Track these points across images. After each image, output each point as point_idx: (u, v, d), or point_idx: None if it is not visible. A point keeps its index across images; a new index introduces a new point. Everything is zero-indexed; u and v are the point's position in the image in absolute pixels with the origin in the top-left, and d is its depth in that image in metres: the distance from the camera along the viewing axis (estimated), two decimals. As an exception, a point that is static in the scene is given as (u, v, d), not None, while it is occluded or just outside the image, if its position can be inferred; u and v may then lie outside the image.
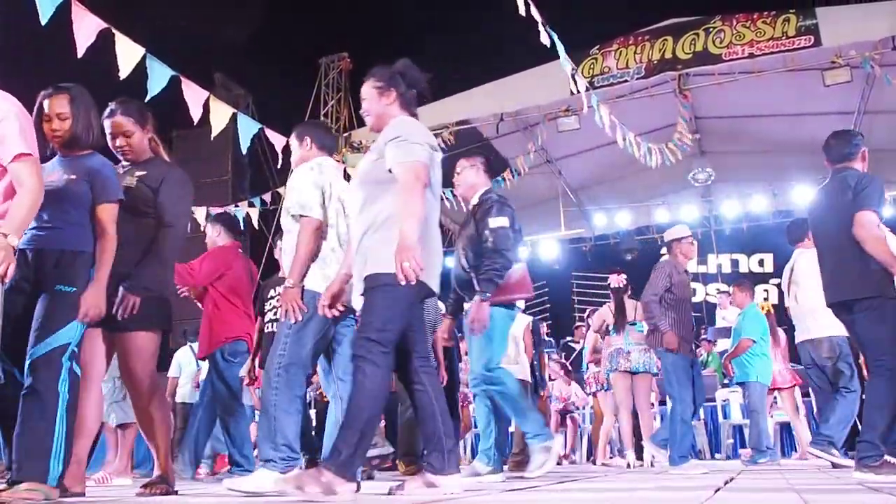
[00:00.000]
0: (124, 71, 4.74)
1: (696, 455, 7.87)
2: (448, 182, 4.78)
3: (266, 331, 5.46)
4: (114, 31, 4.69)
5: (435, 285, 3.00)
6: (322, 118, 12.62)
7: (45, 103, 3.12)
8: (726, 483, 3.56)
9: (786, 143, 11.33)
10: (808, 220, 5.51)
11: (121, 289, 3.20)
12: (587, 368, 8.08)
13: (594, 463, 8.01)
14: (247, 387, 7.66)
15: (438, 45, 15.28)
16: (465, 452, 8.86)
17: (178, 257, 3.79)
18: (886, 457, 3.85)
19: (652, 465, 6.55)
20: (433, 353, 6.12)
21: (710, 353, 9.98)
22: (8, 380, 2.96)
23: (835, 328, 5.16)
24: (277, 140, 5.98)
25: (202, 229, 6.21)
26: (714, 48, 9.04)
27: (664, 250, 14.06)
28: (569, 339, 10.52)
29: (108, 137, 3.51)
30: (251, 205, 9.49)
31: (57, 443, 2.74)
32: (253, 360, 5.88)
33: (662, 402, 8.35)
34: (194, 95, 5.34)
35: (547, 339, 8.78)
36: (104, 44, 4.63)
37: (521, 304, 4.73)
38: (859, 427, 4.18)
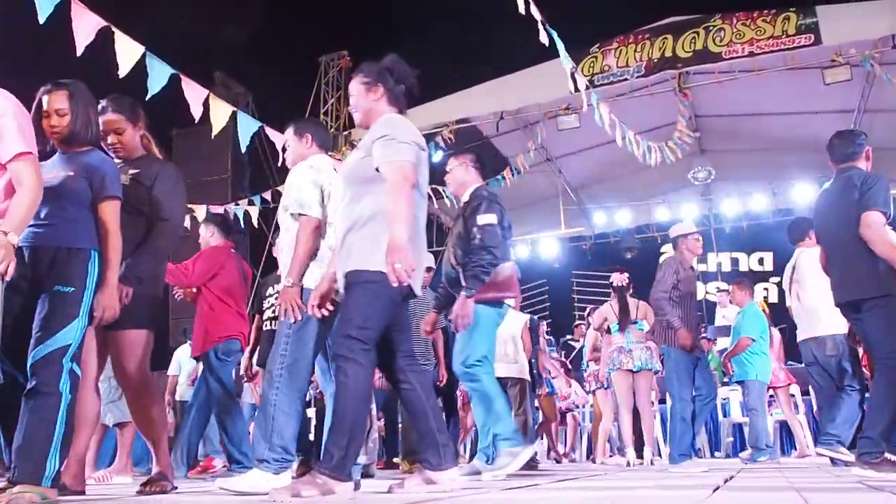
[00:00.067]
0: (124, 69, 4.73)
1: (695, 454, 7.88)
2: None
3: (265, 328, 5.47)
4: (113, 29, 4.68)
5: (417, 286, 2.98)
6: (322, 117, 12.62)
7: (44, 99, 3.11)
8: (726, 481, 3.56)
9: (786, 141, 11.33)
10: (809, 220, 5.52)
11: None
12: (587, 367, 8.08)
13: (594, 461, 8.02)
14: (247, 384, 7.71)
15: (438, 43, 15.27)
16: (465, 452, 8.86)
17: (171, 252, 3.79)
18: (887, 454, 3.86)
19: (652, 463, 6.55)
20: (433, 351, 6.15)
21: (710, 351, 9.98)
22: (7, 379, 2.95)
23: (838, 326, 5.18)
24: (277, 138, 5.98)
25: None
26: (714, 47, 9.04)
27: (664, 249, 14.16)
28: (568, 337, 10.52)
29: None
30: (251, 203, 9.48)
31: (56, 443, 2.73)
32: (250, 357, 5.90)
33: (662, 401, 8.36)
34: (194, 94, 5.34)
35: (547, 336, 8.76)
36: (104, 42, 4.63)
37: (511, 302, 4.68)
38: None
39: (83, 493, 3.49)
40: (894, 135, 10.29)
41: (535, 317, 8.72)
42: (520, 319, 6.54)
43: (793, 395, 8.45)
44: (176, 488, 3.61)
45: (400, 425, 6.51)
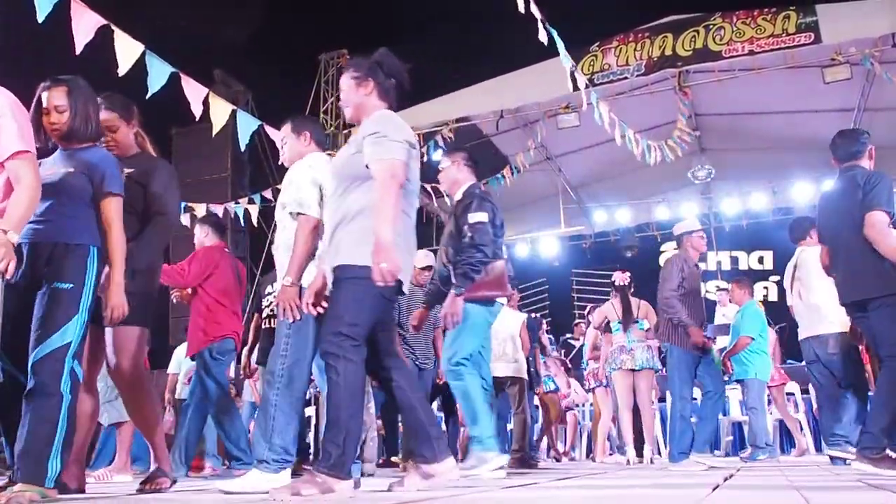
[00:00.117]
0: (123, 68, 4.73)
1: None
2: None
3: (264, 327, 5.48)
4: (113, 27, 4.68)
5: (406, 279, 2.96)
6: (322, 115, 12.63)
7: (44, 96, 3.10)
8: (725, 480, 3.57)
9: (786, 140, 11.33)
10: (811, 219, 5.53)
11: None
12: (587, 365, 8.08)
13: (594, 460, 8.02)
14: (247, 383, 7.71)
15: (438, 41, 15.27)
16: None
17: (166, 248, 3.79)
18: (888, 451, 3.87)
19: (651, 461, 6.56)
20: (433, 349, 6.15)
21: (709, 350, 9.98)
22: (7, 378, 2.95)
23: (841, 324, 5.20)
24: (277, 137, 5.94)
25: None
26: (714, 45, 9.03)
27: (664, 247, 14.15)
28: (568, 336, 10.53)
29: None
30: (251, 201, 9.49)
31: (57, 444, 2.72)
32: (249, 354, 5.90)
33: (662, 400, 8.36)
34: (194, 92, 5.34)
35: (547, 335, 8.77)
36: (103, 41, 4.62)
37: (504, 300, 4.66)
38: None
39: (83, 491, 3.49)
40: (894, 133, 10.29)
41: (538, 315, 8.75)
42: (518, 318, 6.54)
43: (792, 394, 8.47)
44: (175, 481, 3.63)
45: (400, 424, 6.51)
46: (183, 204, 8.58)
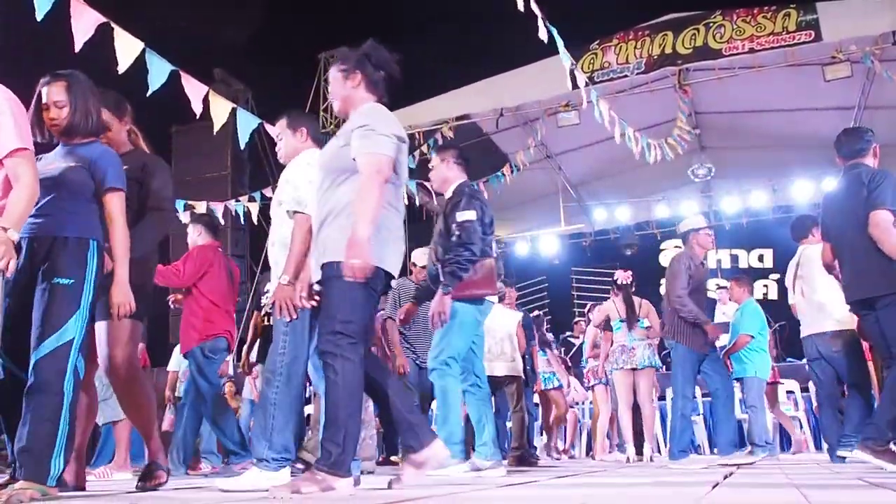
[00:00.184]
0: (123, 65, 4.72)
1: (695, 450, 7.89)
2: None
3: (265, 324, 5.50)
4: (113, 25, 4.68)
5: (396, 272, 2.94)
6: (322, 113, 12.61)
7: (43, 91, 3.09)
8: (725, 478, 3.57)
9: (786, 138, 11.33)
10: (812, 217, 5.53)
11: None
12: (586, 363, 8.09)
13: (593, 458, 8.02)
14: (247, 381, 7.71)
15: (438, 40, 15.27)
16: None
17: (161, 242, 3.78)
18: (892, 445, 3.89)
19: (651, 459, 6.56)
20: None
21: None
22: (7, 375, 2.95)
23: (846, 322, 5.22)
24: (273, 132, 5.97)
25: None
26: (714, 43, 9.03)
27: (664, 245, 14.13)
28: (568, 334, 10.52)
29: None
30: (251, 199, 9.48)
31: (59, 443, 2.72)
32: (248, 352, 5.90)
33: (662, 398, 8.37)
34: (194, 90, 5.34)
35: (549, 334, 8.76)
36: (103, 39, 4.62)
37: (494, 298, 4.62)
38: None
39: (83, 489, 3.49)
40: (894, 132, 10.28)
41: (540, 313, 8.74)
42: (512, 317, 6.55)
43: (791, 392, 8.47)
44: (168, 471, 3.66)
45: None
46: (183, 202, 8.58)
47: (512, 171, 10.76)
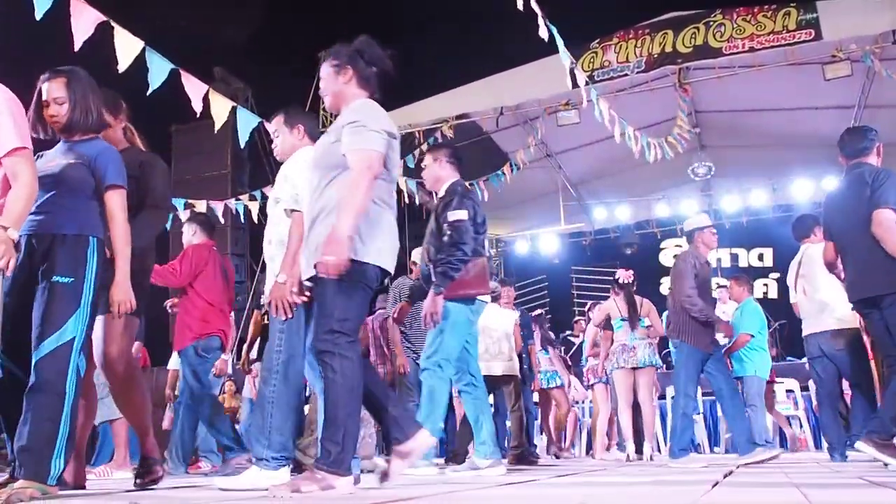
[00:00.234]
0: (123, 64, 4.72)
1: (695, 449, 7.89)
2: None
3: (265, 322, 5.50)
4: (112, 23, 4.67)
5: (391, 269, 2.92)
6: (322, 112, 12.60)
7: (43, 88, 3.08)
8: (725, 477, 3.57)
9: (786, 137, 11.32)
10: (814, 216, 5.53)
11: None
12: (586, 362, 8.09)
13: (593, 457, 8.03)
14: (248, 380, 7.71)
15: (438, 39, 15.26)
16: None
17: (156, 239, 3.78)
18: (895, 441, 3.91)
19: (651, 458, 6.56)
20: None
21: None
22: (6, 374, 2.94)
23: (849, 321, 5.24)
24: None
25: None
26: (714, 42, 9.02)
27: (664, 244, 14.11)
28: (568, 333, 10.52)
29: None
30: (252, 198, 9.48)
31: (60, 443, 2.71)
32: (248, 350, 5.89)
33: (662, 397, 8.37)
34: (194, 89, 5.34)
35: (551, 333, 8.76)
36: (102, 38, 4.61)
37: (486, 298, 4.57)
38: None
39: (83, 487, 3.50)
40: (895, 130, 10.29)
41: (541, 312, 8.74)
42: (509, 317, 6.58)
43: (791, 391, 8.47)
44: (165, 466, 3.65)
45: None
46: (183, 201, 8.58)
47: (512, 170, 10.76)
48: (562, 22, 6.26)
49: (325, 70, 3.08)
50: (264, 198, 9.41)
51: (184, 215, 7.44)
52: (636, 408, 6.87)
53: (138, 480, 3.58)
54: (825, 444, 5.93)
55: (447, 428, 6.84)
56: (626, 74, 9.45)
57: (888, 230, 3.97)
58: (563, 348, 9.69)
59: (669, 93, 9.68)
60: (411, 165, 9.29)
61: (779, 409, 8.21)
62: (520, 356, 6.80)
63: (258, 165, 14.52)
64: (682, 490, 2.78)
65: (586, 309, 8.75)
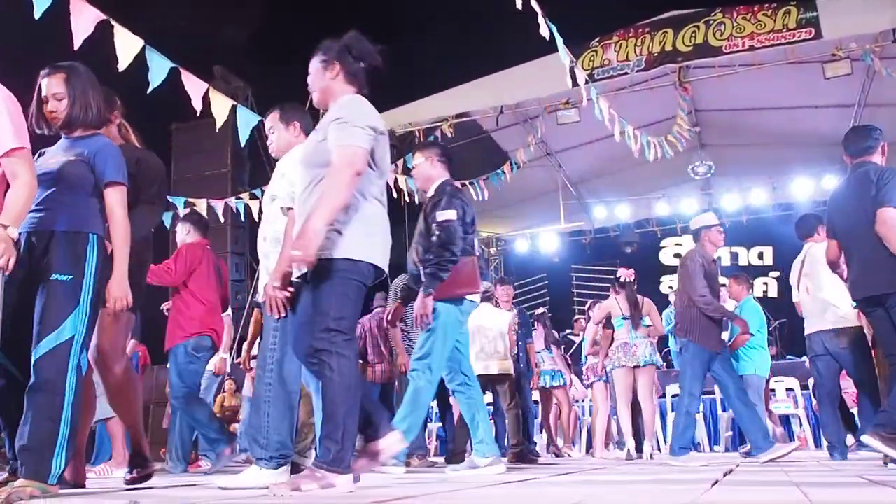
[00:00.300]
0: (123, 63, 4.72)
1: (694, 448, 7.88)
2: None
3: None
4: (112, 22, 4.67)
5: (384, 266, 2.90)
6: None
7: (43, 84, 3.07)
8: (725, 475, 3.57)
9: (786, 135, 11.33)
10: (817, 215, 5.54)
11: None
12: (586, 360, 8.09)
13: (593, 455, 8.03)
14: (247, 377, 7.71)
15: (438, 37, 15.24)
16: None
17: (151, 234, 3.78)
18: None
19: (651, 457, 6.57)
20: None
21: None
22: (5, 373, 2.94)
23: (852, 320, 5.27)
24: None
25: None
26: (714, 41, 9.02)
27: (664, 243, 14.08)
28: (568, 331, 10.53)
29: None
30: (252, 196, 9.47)
31: (61, 441, 2.71)
32: (249, 349, 5.89)
33: (662, 396, 8.37)
34: (194, 88, 5.33)
35: (553, 332, 8.76)
36: (102, 37, 4.61)
37: (475, 297, 4.53)
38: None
39: (83, 486, 3.50)
40: (895, 129, 10.29)
41: (544, 310, 8.74)
42: (506, 316, 6.61)
43: (791, 390, 8.47)
44: (147, 455, 3.69)
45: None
46: (183, 199, 8.58)
47: (512, 169, 10.76)
48: (562, 21, 6.25)
49: (314, 66, 3.05)
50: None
51: (183, 214, 7.43)
52: (636, 406, 6.87)
53: (128, 477, 3.59)
54: (825, 443, 5.93)
55: (446, 427, 6.85)
56: (626, 73, 9.45)
57: (892, 228, 3.99)
58: (562, 347, 9.71)
59: (669, 91, 9.67)
60: (411, 165, 9.27)
61: (773, 407, 8.21)
62: (517, 355, 6.81)
63: (258, 164, 14.50)
64: (682, 489, 2.78)
65: (586, 308, 8.76)
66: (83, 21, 4.46)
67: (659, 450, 7.53)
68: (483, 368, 6.22)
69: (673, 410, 8.72)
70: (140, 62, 4.82)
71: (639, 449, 6.81)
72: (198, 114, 5.43)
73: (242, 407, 8.28)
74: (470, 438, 4.76)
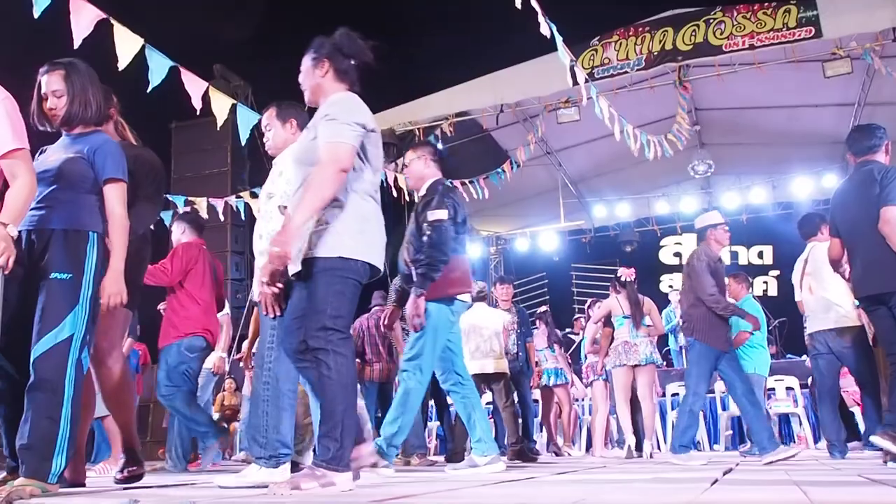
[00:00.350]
0: (123, 62, 4.72)
1: (694, 446, 7.88)
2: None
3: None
4: (112, 21, 4.67)
5: (379, 264, 2.89)
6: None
7: (42, 80, 3.06)
8: (724, 474, 3.57)
9: (786, 134, 11.33)
10: (821, 215, 5.54)
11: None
12: (586, 359, 8.10)
13: (592, 454, 8.03)
14: (247, 376, 7.71)
15: (438, 36, 15.24)
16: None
17: (149, 232, 3.78)
18: None
19: (651, 456, 6.57)
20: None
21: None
22: (2, 371, 2.94)
23: (856, 319, 5.29)
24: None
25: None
26: (714, 39, 9.02)
27: (664, 242, 14.06)
28: (568, 330, 10.53)
29: None
30: (252, 195, 9.47)
31: (61, 440, 2.70)
32: (250, 347, 5.89)
33: (661, 395, 8.37)
34: (194, 86, 5.33)
35: (556, 330, 8.77)
36: (102, 35, 4.61)
37: (466, 297, 4.49)
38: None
39: (83, 485, 3.50)
40: (895, 128, 10.28)
41: (547, 309, 8.74)
42: (500, 315, 6.64)
43: (791, 389, 8.47)
44: (143, 462, 3.69)
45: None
46: (183, 198, 8.58)
47: (512, 168, 10.76)
48: (562, 19, 6.25)
49: (304, 64, 3.04)
50: (264, 195, 9.39)
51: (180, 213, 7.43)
52: (635, 404, 6.87)
53: (118, 476, 3.60)
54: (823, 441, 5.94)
55: (445, 426, 6.86)
56: (626, 72, 9.45)
57: (895, 228, 4.00)
58: (563, 346, 9.72)
59: (669, 90, 9.67)
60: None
61: (773, 406, 8.22)
62: (517, 354, 6.82)
63: (258, 163, 14.50)
64: (682, 487, 2.78)
65: (586, 306, 8.76)
66: (83, 20, 4.45)
67: (659, 449, 7.53)
68: (479, 367, 6.24)
69: (673, 409, 8.74)
70: (140, 61, 4.82)
71: (638, 448, 6.81)
72: (198, 113, 5.43)
73: (243, 406, 8.29)
74: (469, 437, 4.76)
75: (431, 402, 7.32)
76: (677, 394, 8.94)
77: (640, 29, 9.49)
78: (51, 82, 3.05)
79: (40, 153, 3.10)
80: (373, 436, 5.03)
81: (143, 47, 4.82)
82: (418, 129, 10.19)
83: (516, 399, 7.10)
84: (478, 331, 6.33)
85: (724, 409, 9.00)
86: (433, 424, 9.48)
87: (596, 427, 7.79)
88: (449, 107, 10.24)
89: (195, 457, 6.31)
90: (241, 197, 9.65)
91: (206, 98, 5.41)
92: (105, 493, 3.21)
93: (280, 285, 3.03)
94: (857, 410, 7.33)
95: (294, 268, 2.85)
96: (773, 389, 8.31)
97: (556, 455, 8.03)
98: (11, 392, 2.81)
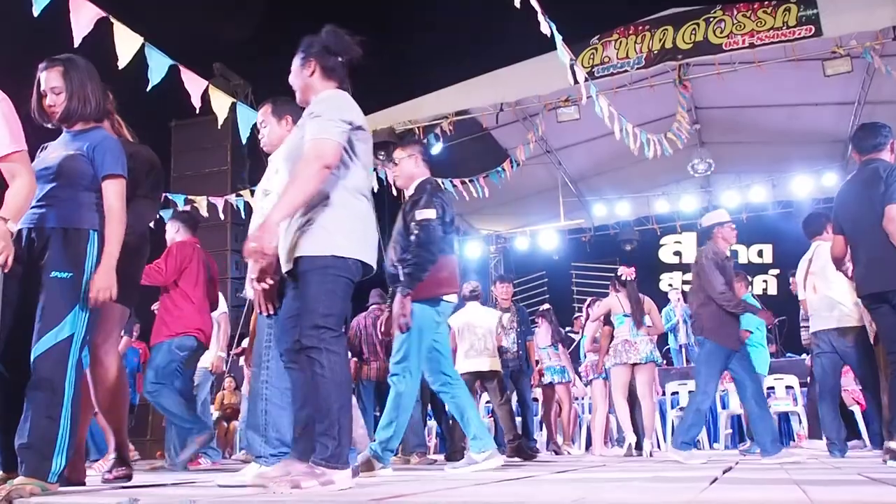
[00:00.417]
0: (123, 60, 4.72)
1: (694, 445, 7.88)
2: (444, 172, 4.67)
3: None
4: (112, 19, 4.67)
5: (372, 262, 2.89)
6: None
7: (41, 77, 3.05)
8: (724, 473, 3.57)
9: (786, 133, 11.31)
10: (825, 214, 5.55)
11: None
12: (585, 358, 8.10)
13: (592, 453, 8.04)
14: (247, 375, 7.70)
15: (438, 35, 15.24)
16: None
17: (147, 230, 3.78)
18: None
19: (651, 454, 6.57)
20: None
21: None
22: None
23: (860, 318, 5.29)
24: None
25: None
26: (714, 38, 9.00)
27: (663, 240, 14.06)
28: (568, 329, 10.52)
29: None
30: (253, 194, 9.47)
31: (61, 439, 2.70)
32: (250, 346, 5.89)
33: (661, 394, 8.37)
34: (193, 85, 5.34)
35: (559, 328, 8.76)
36: (102, 34, 4.61)
37: (452, 298, 4.46)
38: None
39: (83, 484, 3.50)
40: (895, 127, 10.26)
41: (549, 307, 8.74)
42: (494, 314, 6.66)
43: (791, 387, 8.48)
44: (132, 463, 3.73)
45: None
46: (183, 196, 8.59)
47: (512, 166, 10.76)
48: (561, 18, 6.24)
49: (294, 64, 3.05)
50: (264, 194, 9.38)
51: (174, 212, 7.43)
52: (635, 404, 6.87)
53: (107, 476, 3.60)
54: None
55: (444, 427, 6.86)
56: (625, 71, 9.43)
57: None
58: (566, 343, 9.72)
59: (669, 89, 9.65)
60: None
61: (774, 405, 8.22)
62: (518, 353, 6.82)
63: (258, 161, 14.50)
64: (682, 486, 2.78)
65: (585, 305, 8.76)
66: (83, 18, 4.46)
67: (658, 447, 7.52)
68: (473, 366, 6.25)
69: (673, 408, 8.75)
70: (140, 60, 4.82)
71: (638, 446, 6.81)
72: (197, 111, 5.44)
73: (242, 405, 8.28)
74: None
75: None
76: (677, 392, 8.95)
77: (640, 27, 9.47)
78: (49, 79, 3.04)
79: (41, 150, 3.09)
80: (369, 439, 5.05)
81: (142, 46, 4.82)
82: (418, 127, 10.17)
83: (515, 398, 7.11)
84: (471, 329, 6.35)
85: (723, 407, 9.00)
86: (433, 423, 9.49)
87: (595, 425, 7.79)
88: (449, 105, 10.22)
89: (194, 455, 6.30)
90: (241, 195, 9.65)
91: (205, 97, 5.42)
92: (105, 492, 3.20)
93: (270, 282, 3.03)
94: (856, 409, 7.34)
95: (286, 266, 2.85)
96: (773, 388, 8.32)
97: (556, 453, 8.04)
98: (3, 390, 2.81)
